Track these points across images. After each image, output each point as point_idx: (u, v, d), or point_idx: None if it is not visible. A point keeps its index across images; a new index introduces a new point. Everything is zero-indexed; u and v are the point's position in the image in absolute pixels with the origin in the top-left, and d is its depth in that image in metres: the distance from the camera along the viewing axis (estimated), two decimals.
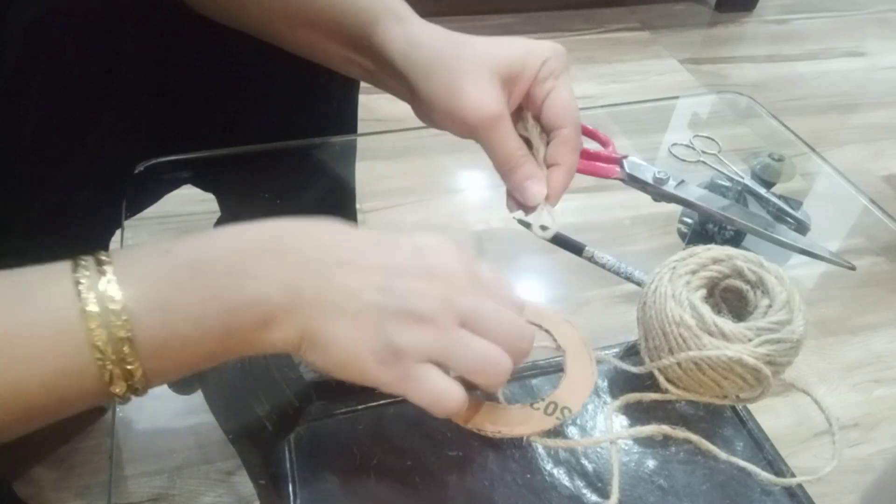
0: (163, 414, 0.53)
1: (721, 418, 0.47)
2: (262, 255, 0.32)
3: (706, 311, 0.41)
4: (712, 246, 0.45)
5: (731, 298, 0.45)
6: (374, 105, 0.64)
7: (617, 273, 0.55)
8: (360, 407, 0.45)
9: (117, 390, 0.30)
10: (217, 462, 0.53)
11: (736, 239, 0.61)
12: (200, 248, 0.33)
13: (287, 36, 0.49)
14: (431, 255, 0.35)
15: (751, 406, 0.47)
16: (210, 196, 0.69)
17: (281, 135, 0.62)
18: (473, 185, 0.82)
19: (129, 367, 0.29)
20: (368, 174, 0.81)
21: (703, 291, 0.43)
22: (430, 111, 0.43)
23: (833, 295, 0.78)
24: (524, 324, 0.37)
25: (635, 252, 0.73)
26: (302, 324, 0.33)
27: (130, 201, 0.57)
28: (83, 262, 0.30)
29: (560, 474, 0.42)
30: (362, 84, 0.52)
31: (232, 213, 0.70)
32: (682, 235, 0.67)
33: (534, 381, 0.46)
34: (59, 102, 0.45)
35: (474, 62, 0.41)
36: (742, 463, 0.42)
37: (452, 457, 0.42)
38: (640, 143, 0.74)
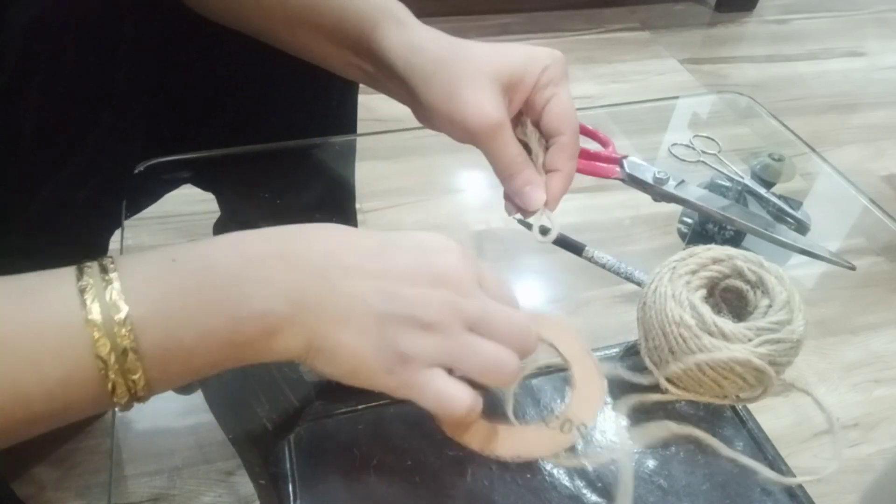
0: (163, 414, 0.52)
1: (721, 418, 0.47)
2: (267, 264, 0.32)
3: (706, 311, 0.41)
4: (712, 246, 0.45)
5: (731, 298, 0.45)
6: (374, 105, 0.64)
7: (617, 273, 0.55)
8: (360, 407, 0.45)
9: (120, 399, 0.30)
10: (217, 462, 0.53)
11: (736, 239, 0.61)
12: (206, 256, 0.32)
13: (286, 38, 0.49)
14: (436, 257, 0.35)
15: (751, 406, 0.47)
16: (210, 196, 0.69)
17: (281, 135, 0.62)
18: (473, 185, 0.82)
19: (132, 376, 0.29)
20: (368, 174, 0.81)
21: (703, 291, 0.43)
22: (431, 116, 0.43)
23: (833, 295, 0.78)
24: (527, 322, 0.37)
25: (635, 252, 0.73)
26: (308, 333, 0.33)
27: (130, 201, 0.57)
28: (88, 269, 0.30)
29: (560, 474, 0.42)
30: (361, 84, 0.52)
31: (232, 213, 0.70)
32: (682, 235, 0.67)
33: (534, 382, 0.46)
34: (58, 102, 0.45)
35: (475, 69, 0.41)
36: (744, 459, 0.41)
37: (452, 457, 0.42)
38: (640, 143, 0.74)
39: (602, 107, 0.77)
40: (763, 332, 0.40)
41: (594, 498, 0.41)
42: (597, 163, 0.53)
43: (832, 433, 0.43)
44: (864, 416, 0.69)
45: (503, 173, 0.43)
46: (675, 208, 0.58)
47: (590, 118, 0.53)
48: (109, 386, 0.29)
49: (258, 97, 0.61)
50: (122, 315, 0.29)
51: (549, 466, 0.42)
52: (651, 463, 0.43)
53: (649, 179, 0.52)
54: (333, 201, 0.71)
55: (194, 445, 0.53)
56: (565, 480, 0.42)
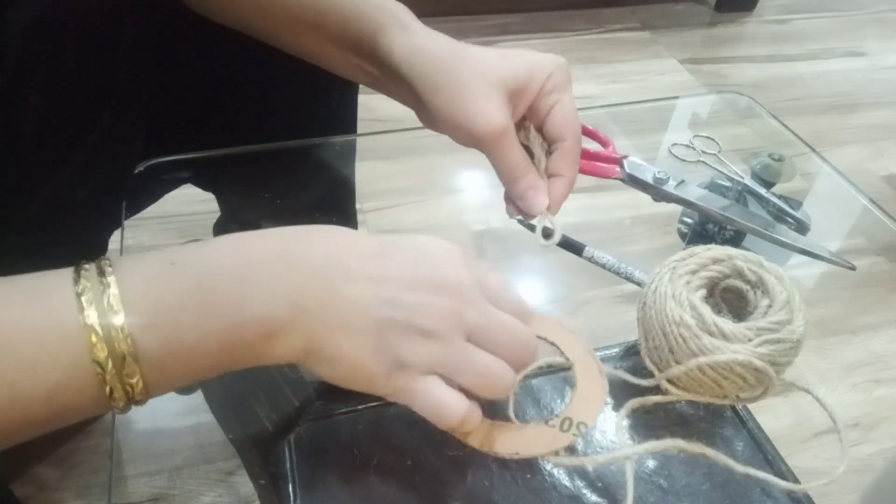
0: (163, 414, 0.53)
1: (721, 418, 0.47)
2: (267, 268, 0.32)
3: (706, 311, 0.41)
4: (712, 246, 0.45)
5: (731, 298, 0.45)
6: (374, 105, 0.64)
7: (617, 273, 0.55)
8: (360, 407, 0.45)
9: (117, 403, 0.30)
10: (217, 462, 0.53)
11: (736, 239, 0.61)
12: (205, 259, 0.32)
13: (288, 39, 0.49)
14: (439, 263, 0.35)
15: (751, 406, 0.47)
16: (210, 196, 0.69)
17: (281, 135, 0.62)
18: (473, 185, 0.82)
19: (129, 380, 0.29)
20: (368, 174, 0.81)
21: (703, 291, 0.43)
22: (436, 120, 0.43)
23: (833, 295, 0.78)
24: (529, 335, 0.37)
25: (635, 252, 0.73)
26: (307, 337, 0.33)
27: (130, 201, 0.57)
28: (85, 272, 0.30)
29: (560, 474, 0.42)
30: (362, 85, 0.52)
31: (232, 213, 0.70)
32: (682, 235, 0.67)
33: (534, 382, 0.46)
34: (58, 102, 0.45)
35: (481, 75, 0.41)
36: (756, 473, 0.40)
37: (452, 457, 0.42)
38: (640, 143, 0.74)
39: (602, 107, 0.77)
40: (763, 333, 0.40)
41: (594, 498, 0.41)
42: (597, 163, 0.53)
43: (837, 431, 0.42)
44: (864, 416, 0.69)
45: (506, 177, 0.43)
46: (675, 208, 0.58)
47: (590, 118, 0.53)
48: (107, 390, 0.29)
49: (258, 97, 0.61)
50: (119, 319, 0.29)
51: (549, 466, 0.42)
52: (651, 463, 0.43)
53: (649, 179, 0.52)
54: (333, 201, 0.71)
55: (194, 445, 0.53)
56: (565, 480, 0.42)
